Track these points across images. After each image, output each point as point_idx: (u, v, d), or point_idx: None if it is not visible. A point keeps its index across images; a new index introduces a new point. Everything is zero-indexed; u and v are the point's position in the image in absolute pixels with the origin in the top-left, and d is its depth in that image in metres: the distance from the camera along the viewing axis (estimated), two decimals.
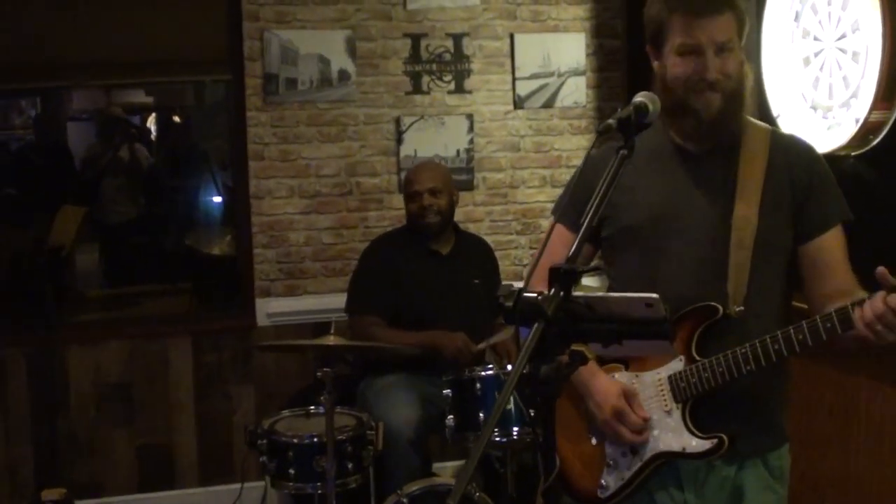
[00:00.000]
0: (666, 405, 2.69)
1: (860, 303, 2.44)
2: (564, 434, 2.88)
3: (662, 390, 2.70)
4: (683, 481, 2.76)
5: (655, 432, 2.69)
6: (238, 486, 5.76)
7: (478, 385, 4.57)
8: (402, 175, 6.02)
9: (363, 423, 4.65)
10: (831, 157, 4.27)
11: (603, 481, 2.75)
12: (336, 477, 4.35)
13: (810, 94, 4.43)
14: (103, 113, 9.87)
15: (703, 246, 2.72)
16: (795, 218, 2.73)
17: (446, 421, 4.60)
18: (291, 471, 4.49)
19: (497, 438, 4.42)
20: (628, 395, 2.73)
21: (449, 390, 4.62)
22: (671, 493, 2.76)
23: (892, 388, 4.13)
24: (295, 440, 4.51)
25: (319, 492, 4.48)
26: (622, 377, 2.76)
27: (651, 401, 2.72)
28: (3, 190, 9.72)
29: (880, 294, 2.40)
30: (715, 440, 2.64)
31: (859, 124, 4.08)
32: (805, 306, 2.78)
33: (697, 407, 2.68)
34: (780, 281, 2.77)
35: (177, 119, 10.54)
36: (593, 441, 2.80)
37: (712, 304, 2.65)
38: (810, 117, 4.42)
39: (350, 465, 4.52)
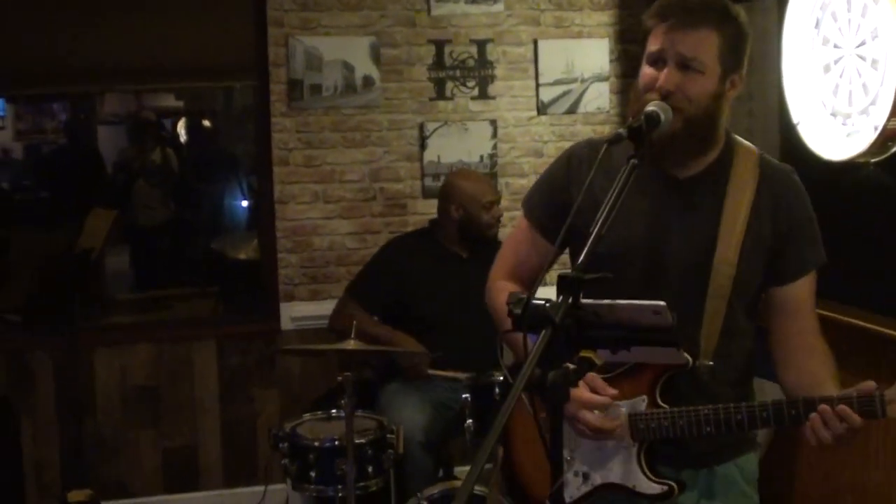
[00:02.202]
0: (623, 440, 2.62)
1: (828, 400, 2.38)
2: (523, 442, 2.84)
3: (622, 424, 2.61)
4: None
5: (609, 463, 2.62)
6: (262, 488, 5.79)
7: (496, 390, 4.59)
8: (427, 181, 6.06)
9: (383, 426, 4.68)
10: (850, 165, 4.28)
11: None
12: (356, 480, 4.38)
13: (830, 101, 4.42)
14: (134, 117, 9.94)
15: (679, 287, 2.60)
16: (771, 261, 2.62)
17: (465, 425, 4.62)
18: (313, 473, 4.51)
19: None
20: (589, 381, 2.57)
21: (468, 395, 4.64)
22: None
23: None
24: (316, 443, 4.54)
25: (340, 495, 4.50)
26: None
27: None
28: (35, 193, 9.81)
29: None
30: (665, 487, 2.57)
31: (878, 131, 4.05)
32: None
33: (654, 448, 2.60)
34: (750, 323, 2.69)
35: (206, 123, 10.59)
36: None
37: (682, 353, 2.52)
38: (830, 124, 4.41)
39: (370, 469, 4.55)
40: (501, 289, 2.83)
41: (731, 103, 2.62)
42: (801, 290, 2.65)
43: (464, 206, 5.31)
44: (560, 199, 2.50)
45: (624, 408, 2.61)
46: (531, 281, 2.26)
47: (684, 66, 2.50)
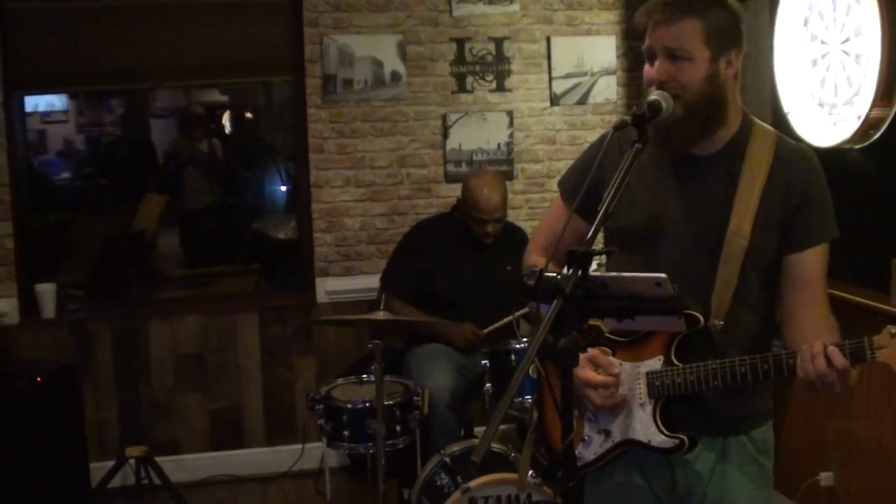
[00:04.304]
0: (641, 398, 2.60)
1: (824, 348, 2.33)
2: (551, 404, 2.82)
3: (640, 383, 2.60)
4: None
5: (628, 420, 2.61)
6: (300, 446, 5.85)
7: (512, 357, 4.60)
8: (449, 167, 6.06)
9: (410, 389, 4.70)
10: (836, 151, 4.26)
11: (578, 452, 2.70)
12: (385, 438, 4.39)
13: (817, 93, 4.40)
14: (183, 110, 9.93)
15: (694, 254, 2.58)
16: (783, 231, 2.57)
17: (484, 389, 4.63)
18: (346, 432, 4.54)
19: (529, 404, 4.43)
20: (594, 360, 2.60)
21: (487, 361, 4.65)
22: (659, 466, 2.66)
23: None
24: (349, 405, 4.56)
25: (371, 451, 4.53)
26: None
27: (629, 390, 2.62)
28: (94, 180, 9.83)
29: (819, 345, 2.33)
30: (677, 441, 2.54)
31: (861, 120, 4.05)
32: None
33: (669, 405, 2.59)
34: (763, 295, 2.62)
35: (248, 116, 10.58)
36: (575, 413, 2.70)
37: (695, 314, 2.52)
38: (817, 114, 4.39)
39: (398, 428, 4.57)
40: (534, 263, 2.83)
41: (736, 81, 2.58)
42: (811, 261, 2.58)
43: (464, 205, 5.30)
44: (592, 179, 2.48)
45: (642, 367, 2.61)
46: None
47: (672, 56, 2.48)
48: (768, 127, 2.66)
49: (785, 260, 2.59)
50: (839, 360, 2.31)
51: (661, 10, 2.50)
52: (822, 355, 2.32)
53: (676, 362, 2.56)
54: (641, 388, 2.61)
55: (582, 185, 2.51)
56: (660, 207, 2.64)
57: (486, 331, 5.01)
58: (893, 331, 2.26)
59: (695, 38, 2.47)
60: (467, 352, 5.04)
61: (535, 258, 2.89)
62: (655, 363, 2.59)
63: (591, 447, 2.69)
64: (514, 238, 5.44)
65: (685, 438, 2.56)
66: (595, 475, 2.75)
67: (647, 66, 2.56)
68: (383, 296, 4.63)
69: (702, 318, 2.52)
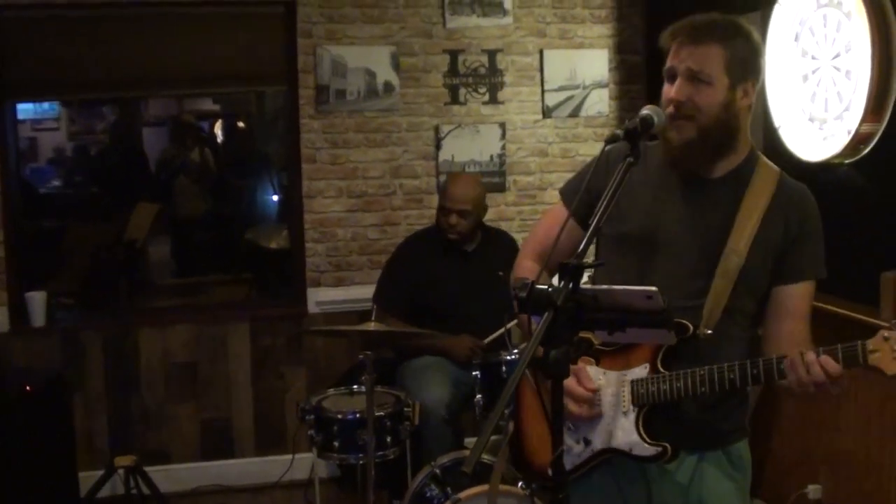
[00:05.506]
0: (624, 406, 2.62)
1: (814, 351, 2.36)
2: (527, 415, 2.87)
3: (624, 391, 2.62)
4: (647, 469, 2.68)
5: (609, 428, 2.63)
6: (290, 456, 5.85)
7: (503, 368, 4.61)
8: (441, 178, 6.08)
9: (401, 400, 4.70)
10: (826, 165, 4.29)
11: None
12: (376, 449, 4.40)
13: (808, 108, 4.43)
14: (176, 120, 9.94)
15: (689, 265, 2.62)
16: (778, 259, 2.61)
17: (475, 400, 4.63)
18: (336, 443, 4.55)
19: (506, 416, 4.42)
20: (576, 371, 2.64)
21: (478, 373, 4.66)
22: (635, 479, 2.69)
23: (877, 376, 4.11)
24: (339, 416, 4.57)
25: (361, 462, 4.53)
26: (592, 370, 2.68)
27: (613, 398, 2.64)
28: (86, 189, 9.83)
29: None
30: (660, 448, 2.56)
31: (851, 135, 4.07)
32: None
33: (652, 413, 2.60)
34: (751, 315, 2.67)
35: (241, 125, 10.60)
36: None
37: (684, 322, 2.53)
38: (808, 129, 4.42)
39: (388, 439, 4.59)
40: (527, 269, 2.88)
41: (749, 112, 2.63)
42: (798, 294, 2.64)
43: (439, 200, 5.37)
44: (594, 188, 2.51)
45: (627, 375, 2.63)
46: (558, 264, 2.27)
47: (693, 78, 2.53)
48: (773, 164, 2.71)
49: (773, 290, 2.65)
50: (832, 366, 2.34)
51: (688, 32, 2.57)
52: (816, 363, 2.34)
53: (663, 370, 2.58)
54: (626, 395, 2.63)
55: (581, 192, 2.55)
56: (659, 218, 2.67)
57: (486, 341, 5.03)
58: (886, 335, 2.28)
59: (717, 63, 2.53)
60: (466, 364, 5.04)
61: (528, 263, 2.91)
62: (642, 371, 2.62)
63: (569, 456, 2.68)
64: (503, 244, 5.47)
65: (668, 446, 2.57)
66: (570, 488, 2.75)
67: (665, 87, 2.60)
68: (376, 308, 4.65)
69: (691, 327, 2.55)
